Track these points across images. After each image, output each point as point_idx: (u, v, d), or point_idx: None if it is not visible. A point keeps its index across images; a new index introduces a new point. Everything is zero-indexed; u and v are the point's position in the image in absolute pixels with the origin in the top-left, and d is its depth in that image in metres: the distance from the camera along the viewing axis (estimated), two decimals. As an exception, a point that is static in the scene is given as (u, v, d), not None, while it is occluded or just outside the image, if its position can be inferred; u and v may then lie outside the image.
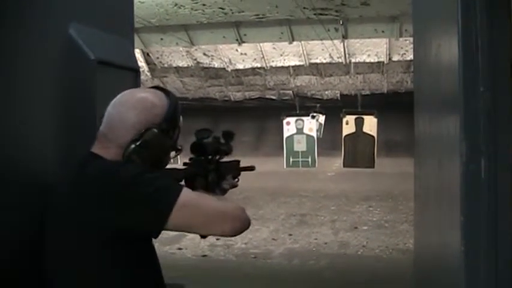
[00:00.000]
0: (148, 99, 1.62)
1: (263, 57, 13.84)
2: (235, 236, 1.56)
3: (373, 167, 14.28)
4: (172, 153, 1.69)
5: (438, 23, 1.63)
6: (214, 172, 1.85)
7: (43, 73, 1.81)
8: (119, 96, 1.65)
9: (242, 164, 2.02)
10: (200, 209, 1.51)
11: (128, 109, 1.59)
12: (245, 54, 13.78)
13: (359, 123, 14.42)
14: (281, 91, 18.09)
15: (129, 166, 1.52)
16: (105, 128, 1.60)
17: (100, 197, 1.46)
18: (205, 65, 14.94)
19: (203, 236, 1.75)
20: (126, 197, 1.45)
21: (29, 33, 1.73)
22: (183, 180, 1.78)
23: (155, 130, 1.57)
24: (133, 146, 1.55)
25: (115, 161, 1.55)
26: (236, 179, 1.97)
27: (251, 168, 2.05)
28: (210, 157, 1.85)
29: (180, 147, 1.68)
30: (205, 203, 1.54)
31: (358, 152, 14.34)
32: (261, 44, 12.94)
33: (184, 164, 1.82)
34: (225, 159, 1.92)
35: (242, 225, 1.55)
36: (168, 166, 1.74)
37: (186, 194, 1.49)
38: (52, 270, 1.56)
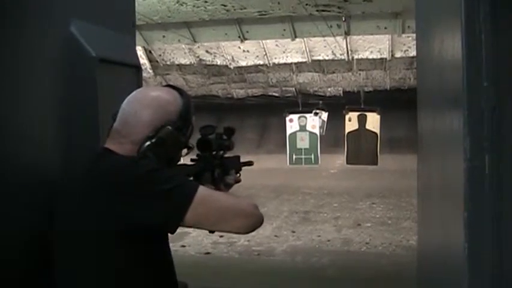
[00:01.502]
0: (163, 97, 1.65)
1: (266, 54, 13.80)
2: (248, 232, 1.59)
3: (376, 164, 14.27)
4: (184, 151, 1.71)
5: (441, 18, 1.62)
6: (219, 167, 1.88)
7: (44, 71, 1.80)
8: (133, 93, 1.67)
9: (241, 160, 2.06)
10: (216, 205, 1.53)
11: (142, 107, 1.61)
12: (247, 51, 13.75)
13: (362, 120, 14.41)
14: (284, 88, 18.06)
15: (145, 162, 1.54)
16: (120, 124, 1.62)
17: (117, 192, 1.47)
18: (207, 63, 14.91)
19: (211, 231, 1.77)
20: (145, 191, 1.46)
21: (29, 31, 1.72)
22: (192, 177, 1.81)
23: (170, 128, 1.60)
24: (148, 142, 1.57)
25: (130, 156, 1.57)
26: (238, 174, 1.99)
27: (250, 163, 2.08)
28: (214, 153, 1.88)
29: (191, 146, 1.72)
30: (221, 200, 1.57)
31: (361, 149, 14.33)
32: (264, 41, 12.91)
33: (192, 160, 1.85)
34: (227, 154, 1.96)
35: (255, 222, 1.57)
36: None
37: (203, 191, 1.52)
38: (62, 270, 1.56)
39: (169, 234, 1.63)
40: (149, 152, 1.57)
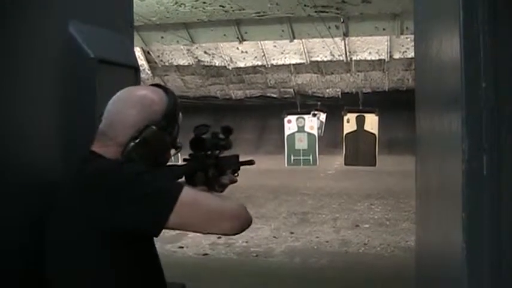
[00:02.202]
0: (148, 97, 1.62)
1: (264, 55, 13.83)
2: (235, 234, 1.55)
3: (375, 165, 14.30)
4: (173, 151, 1.69)
5: (440, 19, 1.62)
6: (213, 167, 1.85)
7: (43, 72, 1.80)
8: (118, 93, 1.65)
9: (242, 159, 2.02)
10: (200, 207, 1.50)
11: (127, 107, 1.59)
12: (246, 52, 13.77)
13: (360, 121, 14.44)
14: (282, 89, 18.08)
15: (128, 165, 1.52)
16: (105, 126, 1.60)
17: (100, 196, 1.46)
18: (206, 63, 14.94)
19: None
20: (127, 195, 1.44)
21: (28, 32, 1.72)
22: (184, 177, 1.79)
23: (154, 127, 1.57)
24: (132, 144, 1.55)
25: (114, 159, 1.55)
26: (236, 174, 1.96)
27: (250, 162, 2.04)
28: (209, 152, 1.85)
29: (179, 145, 1.68)
30: (206, 202, 1.53)
31: (360, 150, 14.36)
32: (262, 42, 12.93)
33: (184, 160, 1.82)
34: (225, 154, 1.92)
35: (242, 223, 1.54)
36: (168, 163, 1.74)
37: (187, 193, 1.49)
38: (52, 270, 1.55)
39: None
40: (134, 154, 1.55)
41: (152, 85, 1.72)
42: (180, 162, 1.84)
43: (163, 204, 1.45)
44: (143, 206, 1.44)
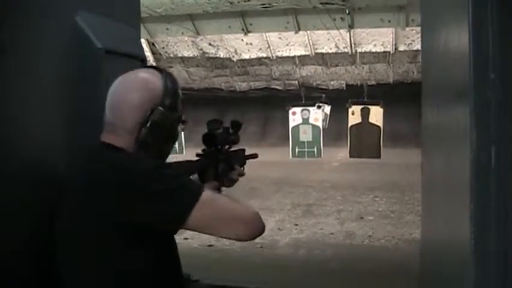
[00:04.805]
0: (147, 79, 1.61)
1: (269, 47, 13.77)
2: (248, 240, 1.55)
3: (379, 157, 14.28)
4: (180, 126, 1.68)
5: (447, 11, 1.61)
6: (224, 162, 1.86)
7: (50, 62, 1.80)
8: (116, 81, 1.63)
9: (246, 153, 2.05)
10: (219, 210, 1.50)
11: (130, 92, 1.58)
12: (251, 44, 13.72)
13: (365, 113, 14.42)
14: (287, 81, 18.02)
15: (146, 159, 1.52)
16: (111, 115, 1.59)
17: (119, 190, 1.45)
18: (210, 55, 14.89)
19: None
20: (147, 190, 1.43)
21: (35, 23, 1.72)
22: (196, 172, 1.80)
23: (160, 108, 1.57)
24: (144, 129, 1.55)
25: (129, 152, 1.55)
26: (242, 168, 1.98)
27: (254, 156, 2.07)
28: (220, 147, 1.86)
29: (185, 119, 1.68)
30: (224, 206, 1.53)
31: (364, 142, 14.34)
32: (267, 34, 12.89)
33: (197, 155, 1.83)
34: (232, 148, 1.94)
35: (256, 230, 1.54)
36: (181, 158, 1.75)
37: (207, 195, 1.49)
38: (65, 269, 1.55)
39: None
40: (149, 138, 1.55)
41: (145, 67, 1.71)
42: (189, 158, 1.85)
43: (184, 202, 1.45)
44: (163, 201, 1.43)
